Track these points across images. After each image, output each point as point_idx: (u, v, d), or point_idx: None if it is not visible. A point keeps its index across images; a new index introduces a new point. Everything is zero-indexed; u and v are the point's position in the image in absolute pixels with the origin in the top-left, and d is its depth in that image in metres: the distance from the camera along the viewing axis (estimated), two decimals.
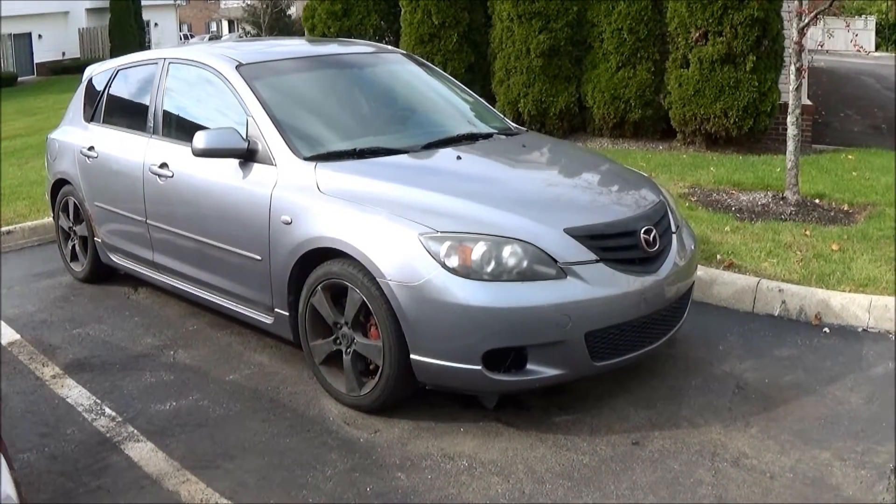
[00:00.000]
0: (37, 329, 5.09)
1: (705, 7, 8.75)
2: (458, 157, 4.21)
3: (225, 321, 4.95)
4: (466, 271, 3.46)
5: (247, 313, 4.44)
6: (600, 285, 3.56)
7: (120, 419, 3.95)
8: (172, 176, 4.72)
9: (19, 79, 32.05)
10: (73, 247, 5.94)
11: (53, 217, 6.16)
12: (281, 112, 4.35)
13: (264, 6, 41.59)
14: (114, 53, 34.62)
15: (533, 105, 9.80)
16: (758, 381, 4.12)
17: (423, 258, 3.50)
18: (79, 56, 35.67)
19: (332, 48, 5.47)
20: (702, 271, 5.25)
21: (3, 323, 5.18)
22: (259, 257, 4.18)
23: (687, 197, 7.14)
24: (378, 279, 3.60)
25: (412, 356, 3.60)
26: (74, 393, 4.23)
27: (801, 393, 3.98)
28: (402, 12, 10.53)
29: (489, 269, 3.47)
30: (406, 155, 4.25)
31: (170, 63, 5.07)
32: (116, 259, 5.47)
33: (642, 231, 3.76)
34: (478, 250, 3.48)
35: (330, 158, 4.15)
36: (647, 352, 3.87)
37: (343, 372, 3.91)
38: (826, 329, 4.72)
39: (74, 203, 5.78)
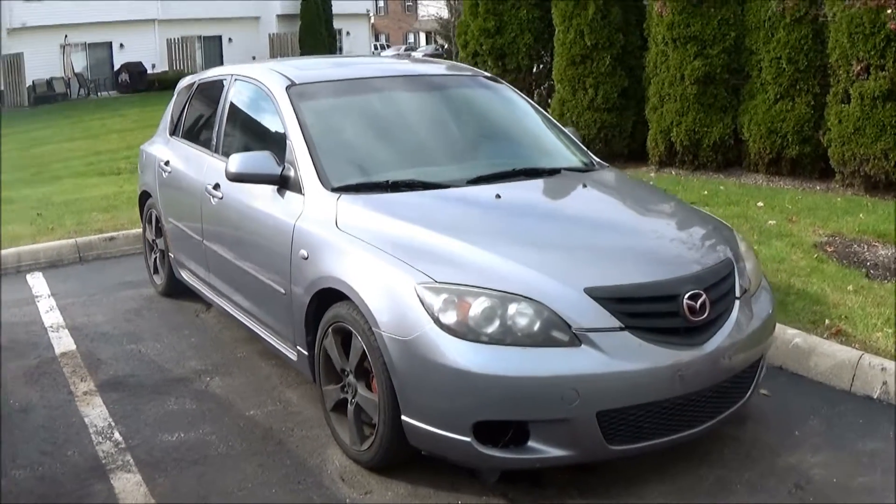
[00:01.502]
0: (94, 341, 5.14)
1: (867, 38, 7.77)
2: (497, 196, 3.79)
3: (275, 351, 4.79)
4: (463, 330, 3.05)
5: (276, 346, 4.23)
6: (621, 358, 3.04)
7: (123, 446, 3.84)
8: (222, 198, 4.61)
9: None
10: (156, 259, 6.00)
11: (142, 229, 6.26)
12: (321, 137, 4.10)
13: (454, 20, 42.30)
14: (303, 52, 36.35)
15: (685, 135, 9.15)
16: (824, 480, 3.43)
17: (417, 310, 3.13)
18: None
19: (406, 68, 5.15)
20: (801, 338, 4.56)
21: (65, 332, 5.28)
22: (283, 291, 3.96)
23: (823, 247, 6.30)
24: (373, 329, 3.27)
25: (403, 417, 3.23)
26: (94, 413, 4.17)
27: (871, 500, 3.28)
28: (556, 32, 10.16)
29: (489, 329, 3.04)
30: (442, 190, 3.88)
31: (235, 79, 4.97)
32: (185, 275, 5.45)
33: (686, 296, 3.20)
34: (477, 307, 3.06)
35: (360, 190, 3.86)
36: (683, 438, 3.30)
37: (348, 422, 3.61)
38: None
39: (155, 216, 5.84)
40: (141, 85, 31.72)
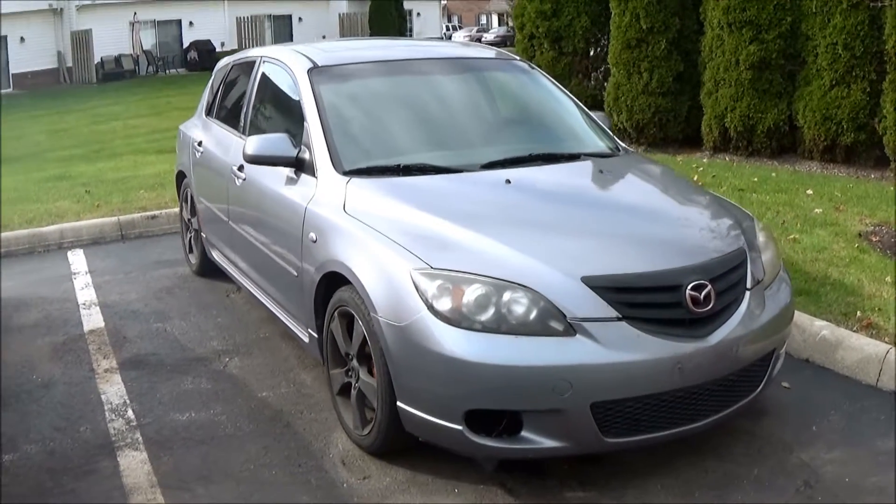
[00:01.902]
0: (123, 319, 5.25)
1: None
2: (508, 181, 3.72)
3: (290, 333, 4.82)
4: (457, 317, 3.00)
5: (291, 327, 4.26)
6: (617, 349, 2.96)
7: (134, 423, 3.91)
8: (245, 179, 4.64)
9: None
10: (190, 239, 6.09)
11: (179, 208, 6.36)
12: (338, 120, 4.09)
13: None
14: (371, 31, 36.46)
15: (740, 121, 8.92)
16: (836, 478, 3.30)
17: (412, 296, 3.09)
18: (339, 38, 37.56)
19: (434, 51, 5.05)
20: (829, 330, 4.39)
21: (96, 309, 5.40)
22: (296, 273, 3.98)
23: (867, 236, 6.06)
24: (371, 313, 3.25)
25: (398, 403, 3.21)
26: (112, 390, 4.26)
27: (882, 501, 3.14)
28: (612, 15, 9.98)
29: (482, 317, 2.99)
30: (452, 175, 3.83)
31: (264, 61, 4.99)
32: (215, 255, 5.52)
33: (689, 286, 3.09)
34: (471, 294, 3.01)
35: (371, 174, 3.84)
36: (685, 432, 3.20)
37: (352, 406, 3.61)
38: None
39: (190, 195, 5.92)
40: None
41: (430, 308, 3.04)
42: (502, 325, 2.98)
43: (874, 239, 6.02)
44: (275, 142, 4.07)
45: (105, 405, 4.11)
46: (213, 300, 5.53)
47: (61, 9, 30.68)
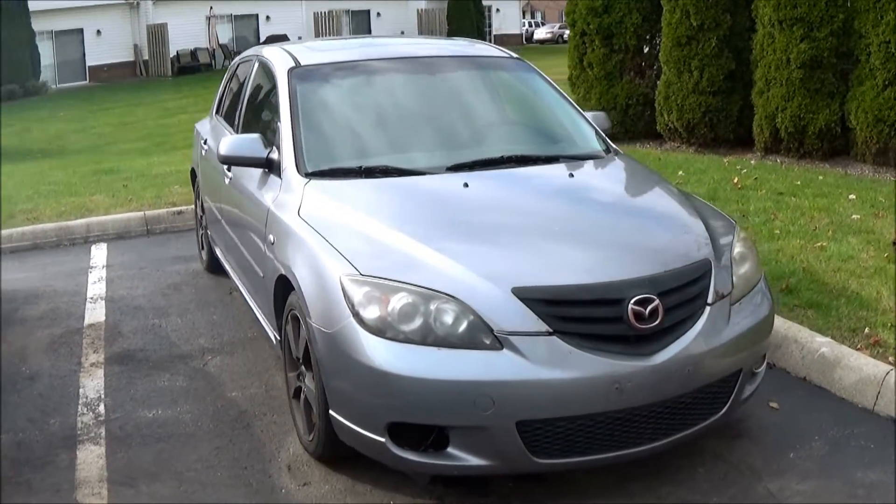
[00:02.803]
0: (123, 314, 5.33)
1: None
2: (466, 185, 3.60)
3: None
4: (382, 326, 2.89)
5: (265, 327, 4.23)
6: (546, 365, 2.80)
7: (102, 418, 3.95)
8: (231, 178, 4.64)
9: None
10: (202, 235, 6.15)
11: (194, 204, 6.44)
12: (309, 121, 4.03)
13: None
14: (450, 36, 36.47)
15: (790, 122, 8.52)
16: None
17: (340, 303, 3.01)
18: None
19: (425, 50, 4.88)
20: (829, 347, 4.10)
21: (101, 303, 5.51)
22: (262, 274, 3.95)
23: None
24: (307, 319, 3.19)
25: (330, 411, 3.14)
26: (92, 384, 4.32)
27: None
28: (663, 11, 9.69)
29: (408, 327, 2.87)
30: (411, 178, 3.73)
31: (258, 59, 4.98)
32: (217, 252, 5.56)
33: (632, 301, 2.90)
34: (396, 303, 2.90)
35: (334, 176, 3.77)
36: (628, 456, 3.02)
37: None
38: None
39: (199, 192, 5.98)
40: None
41: (356, 316, 2.95)
42: (429, 337, 2.87)
43: None
44: (246, 142, 4.05)
45: (80, 399, 4.17)
46: (215, 298, 5.57)
47: (137, 2, 31.38)
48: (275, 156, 3.97)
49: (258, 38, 33.81)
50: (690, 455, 3.43)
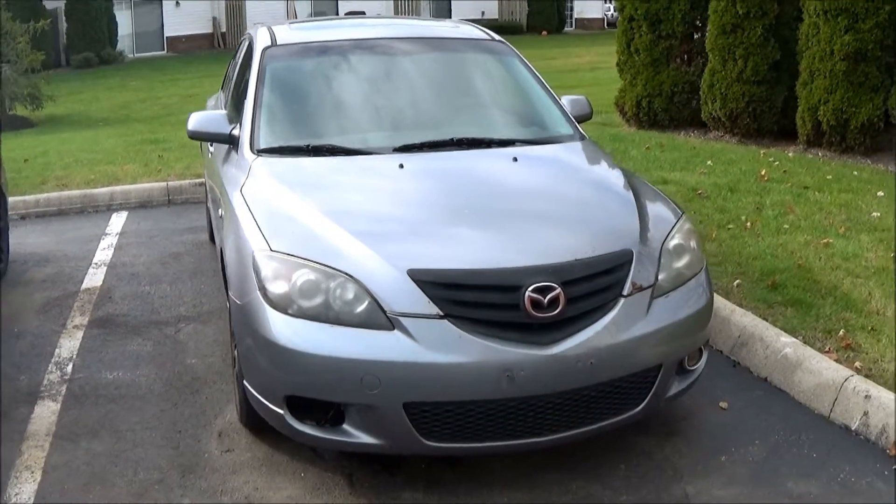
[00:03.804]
0: (120, 280, 5.52)
1: None
2: (401, 166, 3.60)
3: None
4: (284, 301, 2.93)
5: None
6: (434, 348, 2.78)
7: (67, 377, 4.13)
8: (212, 153, 4.76)
9: None
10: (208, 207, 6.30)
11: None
12: (272, 99, 4.09)
13: None
14: (529, 19, 36.19)
15: (832, 115, 8.18)
16: None
17: (251, 277, 3.07)
18: (497, 17, 37.16)
19: (403, 31, 4.89)
20: (792, 348, 3.94)
21: (103, 269, 5.71)
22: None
23: None
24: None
25: (244, 381, 3.21)
26: (68, 345, 4.50)
27: None
28: None
29: (309, 303, 2.90)
30: (351, 157, 3.76)
31: (248, 37, 5.07)
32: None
33: (530, 288, 2.86)
34: (297, 279, 2.94)
35: (283, 153, 3.82)
36: (525, 446, 2.99)
37: None
38: None
39: None
40: None
41: (262, 290, 3.00)
42: (328, 314, 2.89)
43: None
44: (212, 118, 4.15)
45: (53, 358, 4.35)
46: (209, 268, 5.70)
47: None
48: (237, 132, 4.04)
49: (336, 13, 33.99)
50: (616, 450, 3.37)
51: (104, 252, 6.11)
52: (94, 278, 5.54)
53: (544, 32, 34.20)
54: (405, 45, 4.48)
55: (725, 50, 9.18)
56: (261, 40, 4.54)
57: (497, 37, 4.74)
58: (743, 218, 5.98)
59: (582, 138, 4.13)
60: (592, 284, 2.97)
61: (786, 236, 5.60)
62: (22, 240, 6.37)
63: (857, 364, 3.84)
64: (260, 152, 3.82)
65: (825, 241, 5.45)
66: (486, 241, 3.07)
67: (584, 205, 3.45)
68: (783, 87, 8.99)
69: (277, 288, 2.97)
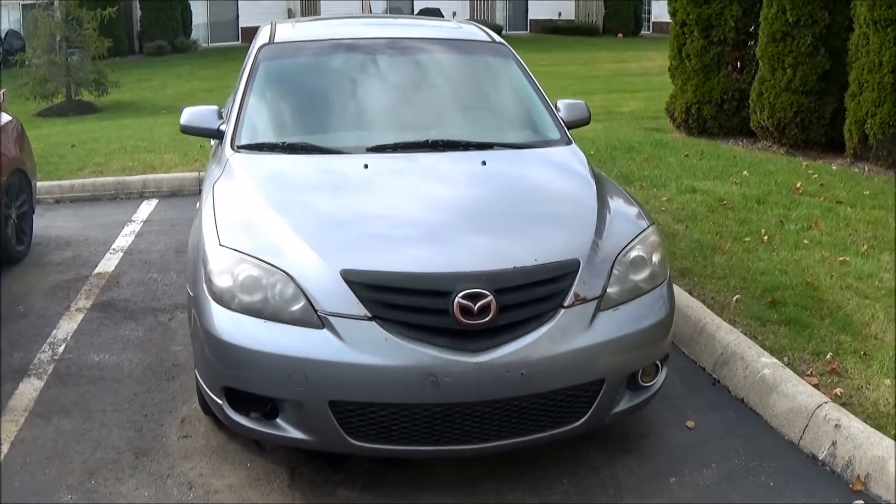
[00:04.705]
0: (132, 266, 5.68)
1: None
2: (365, 166, 3.61)
3: None
4: (226, 296, 2.98)
5: None
6: (360, 349, 2.79)
7: (57, 358, 4.27)
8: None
9: (505, 32, 34.35)
10: None
11: None
12: (258, 97, 4.15)
13: None
14: (606, 21, 35.79)
15: (879, 128, 7.87)
16: None
17: (200, 270, 3.14)
18: (573, 18, 36.60)
19: (400, 32, 4.88)
20: (771, 370, 3.81)
21: (118, 255, 5.89)
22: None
23: None
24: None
25: (195, 369, 3.29)
26: (66, 327, 4.65)
27: None
28: (762, 4, 9.19)
29: (248, 299, 2.95)
30: (319, 156, 3.80)
31: (258, 33, 5.14)
32: None
33: (460, 295, 2.83)
34: (239, 274, 2.99)
35: (261, 150, 3.88)
36: (454, 453, 2.98)
37: None
38: (860, 503, 3.10)
39: None
40: None
41: (208, 283, 3.06)
42: (267, 311, 2.93)
43: None
44: (203, 113, 4.24)
45: (49, 339, 4.51)
46: None
47: None
48: (223, 128, 4.13)
49: (412, 10, 34.20)
50: (564, 463, 3.31)
51: (125, 238, 6.29)
52: (108, 263, 5.72)
53: (620, 35, 33.71)
54: (401, 46, 4.48)
55: (775, 58, 8.93)
56: (261, 38, 4.61)
57: (497, 38, 4.70)
58: (762, 231, 5.80)
59: (567, 143, 4.07)
60: (529, 294, 2.93)
61: (802, 252, 5.40)
62: (50, 223, 6.62)
63: (838, 390, 3.69)
64: (239, 148, 3.88)
65: (842, 258, 5.24)
66: (424, 244, 3.06)
67: (539, 213, 3.39)
68: (833, 98, 8.67)
69: (222, 282, 3.02)
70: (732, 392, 3.92)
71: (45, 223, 6.46)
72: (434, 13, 33.63)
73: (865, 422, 3.40)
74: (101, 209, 7.23)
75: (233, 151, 3.87)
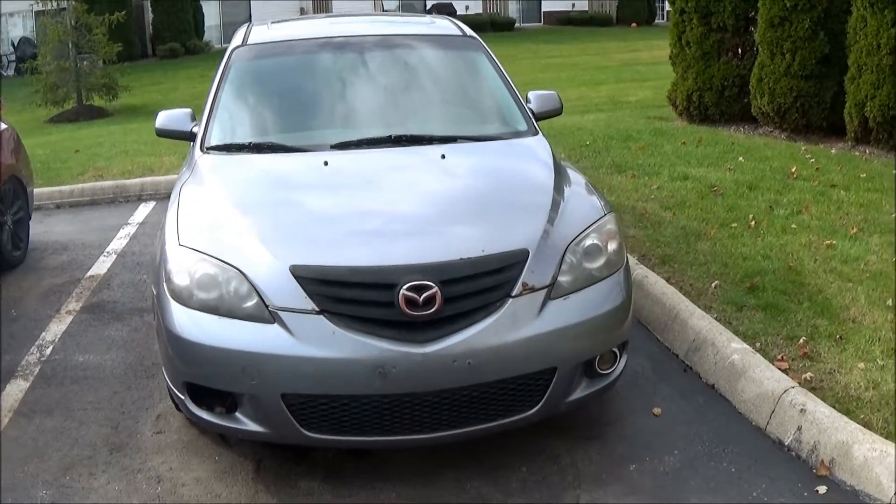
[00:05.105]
0: (124, 268, 5.77)
1: None
2: (325, 163, 3.67)
3: None
4: (184, 294, 3.05)
5: None
6: (310, 343, 2.85)
7: (44, 359, 4.37)
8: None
9: (518, 25, 34.26)
10: None
11: None
12: (229, 98, 4.22)
13: None
14: (619, 11, 35.64)
15: (878, 111, 7.80)
16: None
17: (162, 269, 3.22)
18: (586, 9, 36.41)
19: (369, 28, 4.90)
20: (739, 355, 3.80)
21: (112, 258, 5.99)
22: None
23: None
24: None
25: (162, 368, 3.37)
26: (55, 329, 4.75)
27: None
28: None
29: (204, 296, 3.02)
30: (281, 154, 3.85)
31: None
32: None
33: (405, 287, 2.87)
34: (196, 273, 3.06)
35: (230, 150, 3.95)
36: (406, 442, 3.03)
37: None
38: (823, 488, 3.09)
39: None
40: None
41: (168, 281, 3.13)
42: (223, 308, 2.99)
43: None
44: (177, 116, 4.32)
45: (38, 341, 4.61)
46: None
47: None
48: (195, 130, 4.20)
49: (424, 6, 34.20)
50: (523, 452, 3.34)
51: (119, 241, 6.40)
52: (101, 266, 5.82)
53: (633, 24, 33.56)
54: (371, 43, 4.52)
55: (774, 43, 8.86)
56: (235, 40, 4.68)
57: (470, 32, 4.73)
58: (750, 217, 5.78)
59: (534, 134, 4.09)
60: (476, 284, 2.96)
61: (789, 236, 5.38)
62: (50, 228, 6.76)
63: (808, 375, 3.68)
64: (208, 149, 3.95)
65: (829, 242, 5.21)
66: (372, 239, 3.10)
67: (493, 204, 3.41)
68: (832, 82, 8.59)
69: (180, 280, 3.09)
70: (703, 378, 3.92)
71: (44, 228, 6.59)
72: (446, 7, 33.66)
73: (834, 406, 3.39)
74: (99, 213, 7.36)
75: (202, 153, 3.94)
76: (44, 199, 7.18)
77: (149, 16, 27.19)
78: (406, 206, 3.36)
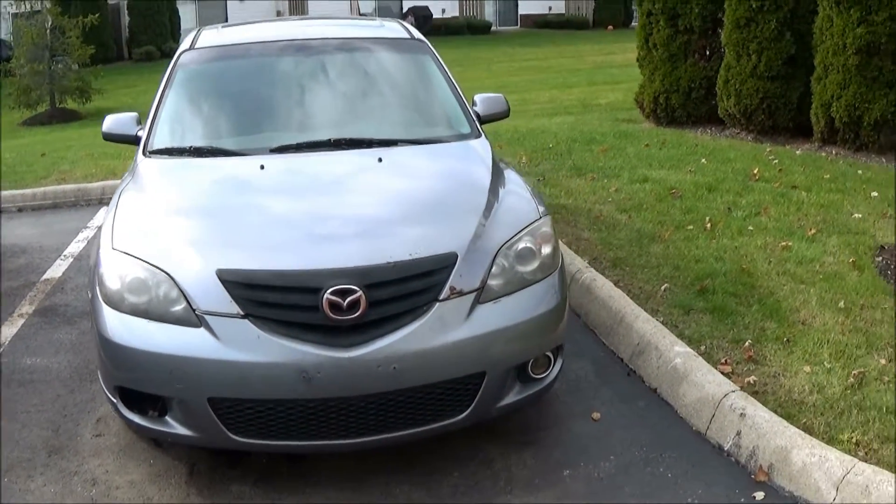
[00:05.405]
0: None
1: None
2: (262, 167, 3.66)
3: None
4: (115, 297, 3.06)
5: None
6: (234, 347, 2.85)
7: None
8: None
9: (495, 28, 34.27)
10: None
11: None
12: (173, 102, 4.22)
13: None
14: (596, 15, 35.74)
15: (845, 111, 7.86)
16: None
17: (96, 273, 3.22)
18: (563, 12, 36.42)
19: (324, 31, 4.87)
20: (682, 358, 3.81)
21: (68, 261, 5.95)
22: None
23: (885, 252, 5.11)
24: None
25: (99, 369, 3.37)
26: (6, 332, 4.72)
27: None
28: None
29: (135, 300, 3.02)
30: (220, 158, 3.86)
31: None
32: None
33: (329, 290, 2.86)
34: (127, 277, 3.06)
35: (171, 154, 3.95)
36: (332, 447, 3.04)
37: None
38: (761, 494, 3.08)
39: None
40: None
41: (100, 285, 3.13)
42: (152, 312, 2.99)
43: (888, 257, 5.09)
44: (123, 120, 4.31)
45: None
46: None
47: None
48: (141, 134, 4.19)
49: (401, 9, 34.17)
50: (457, 457, 3.33)
51: (77, 244, 6.37)
52: (57, 270, 5.79)
53: (610, 27, 33.69)
54: (317, 46, 4.51)
55: (740, 45, 8.90)
56: (184, 43, 4.67)
57: (417, 35, 4.74)
58: (707, 219, 5.79)
59: (477, 137, 4.10)
60: (402, 288, 2.96)
61: (744, 238, 5.40)
62: (10, 232, 6.72)
63: (752, 378, 3.68)
64: (151, 154, 3.95)
65: (785, 243, 5.22)
66: (299, 243, 3.11)
67: (425, 207, 3.41)
68: (799, 83, 8.64)
69: (112, 284, 3.10)
70: (646, 382, 3.93)
71: (5, 232, 6.55)
72: (422, 10, 33.65)
73: (776, 411, 3.39)
74: (60, 216, 7.32)
75: (143, 157, 3.93)
76: (6, 202, 7.14)
77: (125, 18, 27.09)
78: (337, 209, 3.36)
